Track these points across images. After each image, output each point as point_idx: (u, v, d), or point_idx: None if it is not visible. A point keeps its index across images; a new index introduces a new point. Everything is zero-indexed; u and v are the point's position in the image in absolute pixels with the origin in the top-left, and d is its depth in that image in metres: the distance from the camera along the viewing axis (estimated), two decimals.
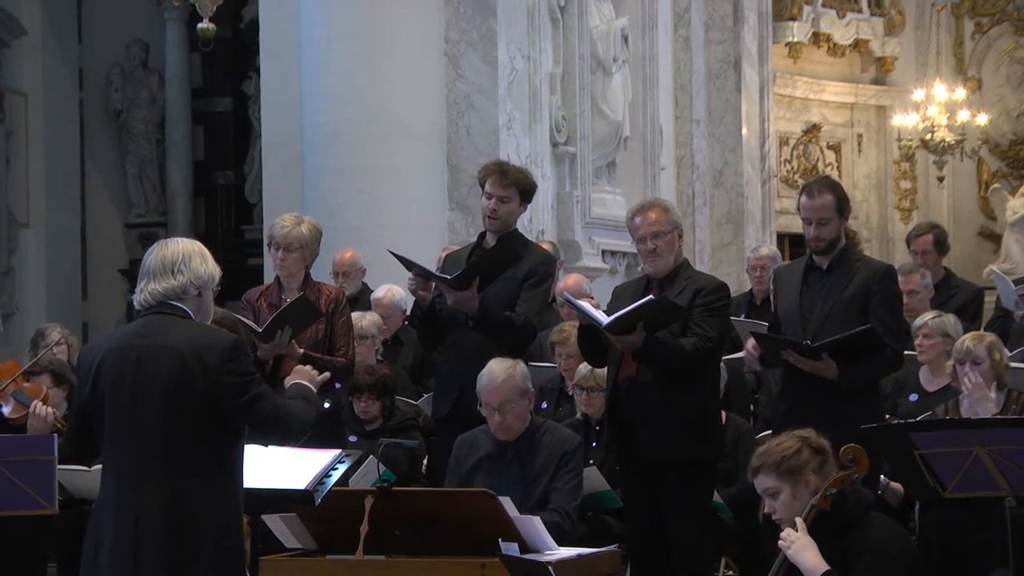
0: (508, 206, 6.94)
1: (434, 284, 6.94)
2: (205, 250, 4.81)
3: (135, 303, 4.76)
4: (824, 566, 4.83)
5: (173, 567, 4.52)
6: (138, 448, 4.60)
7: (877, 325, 6.34)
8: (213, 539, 4.55)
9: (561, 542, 5.80)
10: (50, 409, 7.11)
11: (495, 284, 6.87)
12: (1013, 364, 7.15)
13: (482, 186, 7.02)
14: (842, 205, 6.51)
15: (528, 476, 6.36)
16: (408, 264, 6.89)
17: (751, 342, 6.57)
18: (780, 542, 4.94)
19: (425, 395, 8.41)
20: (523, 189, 6.98)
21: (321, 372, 7.16)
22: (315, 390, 4.97)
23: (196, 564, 4.53)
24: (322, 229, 7.49)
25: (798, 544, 4.88)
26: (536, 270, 6.95)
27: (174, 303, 4.70)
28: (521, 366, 6.49)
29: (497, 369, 6.40)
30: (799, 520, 4.95)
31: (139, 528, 4.54)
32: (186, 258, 4.72)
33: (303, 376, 4.98)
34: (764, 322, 8.84)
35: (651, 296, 6.30)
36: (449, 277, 6.82)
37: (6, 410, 7.26)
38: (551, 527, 5.99)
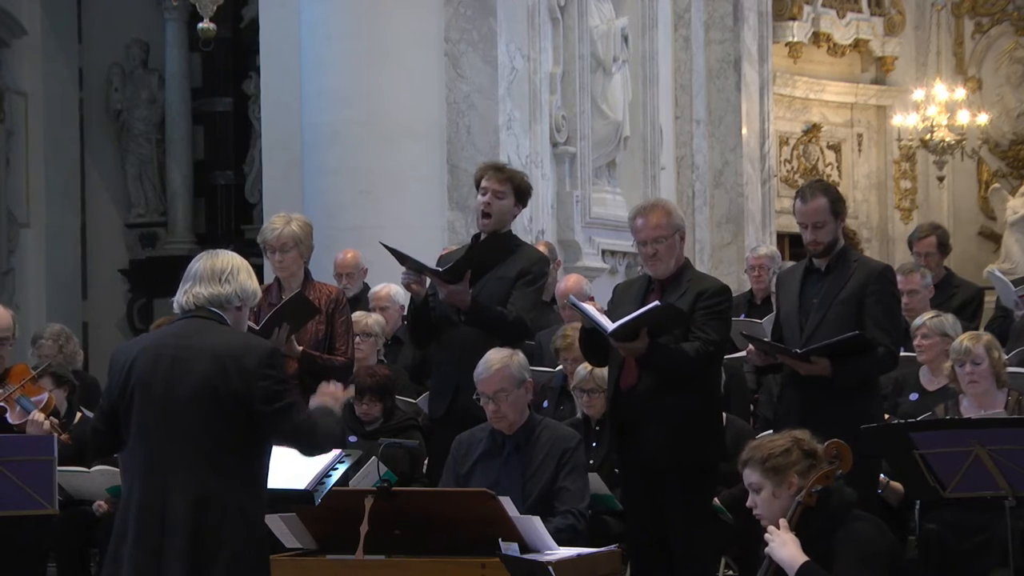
0: (503, 202, 6.91)
1: (428, 280, 6.93)
2: (251, 268, 4.87)
3: (175, 305, 4.79)
4: (803, 557, 4.83)
5: (195, 566, 4.53)
6: (166, 446, 4.61)
7: (872, 324, 6.33)
8: (236, 540, 4.57)
9: (572, 542, 5.81)
10: (48, 421, 7.12)
11: (489, 282, 6.85)
12: (1011, 369, 7.15)
13: (477, 185, 7.00)
14: (837, 207, 6.46)
15: (527, 472, 6.35)
16: (401, 257, 6.89)
17: (751, 348, 6.60)
18: (766, 542, 4.95)
19: (424, 394, 8.40)
20: (518, 187, 6.95)
21: (322, 371, 7.23)
22: (339, 408, 5.00)
23: (217, 564, 4.54)
24: (313, 225, 7.50)
25: (777, 541, 4.89)
26: (530, 269, 6.93)
27: (214, 309, 4.73)
28: (519, 356, 6.47)
29: (493, 358, 6.40)
30: (782, 520, 4.95)
31: (164, 527, 4.56)
32: (235, 270, 4.78)
33: (327, 397, 4.98)
34: (760, 321, 8.89)
35: (656, 303, 6.22)
36: (441, 270, 6.82)
37: (10, 417, 7.25)
38: (567, 530, 6.02)
